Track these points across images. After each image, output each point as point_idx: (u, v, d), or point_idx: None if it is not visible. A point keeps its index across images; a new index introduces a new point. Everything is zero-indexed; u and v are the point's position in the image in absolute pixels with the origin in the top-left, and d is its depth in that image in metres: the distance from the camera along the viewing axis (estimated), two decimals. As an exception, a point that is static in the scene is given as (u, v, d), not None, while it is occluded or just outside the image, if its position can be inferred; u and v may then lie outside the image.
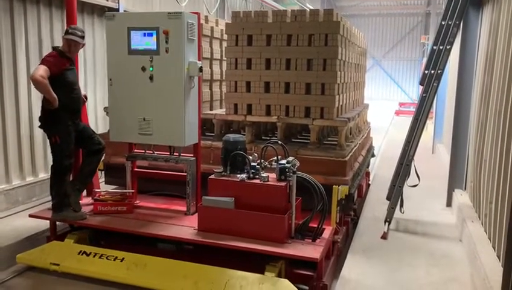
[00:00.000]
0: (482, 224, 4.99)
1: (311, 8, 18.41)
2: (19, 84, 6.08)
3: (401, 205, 5.69)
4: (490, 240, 4.54)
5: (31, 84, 5.97)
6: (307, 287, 4.18)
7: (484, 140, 5.28)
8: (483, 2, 6.03)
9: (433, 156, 10.48)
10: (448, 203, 6.53)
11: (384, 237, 5.24)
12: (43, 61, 4.51)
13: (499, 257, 4.13)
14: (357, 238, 5.28)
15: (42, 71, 4.38)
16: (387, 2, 29.43)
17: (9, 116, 6.00)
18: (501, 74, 4.70)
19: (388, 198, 5.79)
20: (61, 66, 4.57)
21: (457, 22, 5.81)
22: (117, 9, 7.55)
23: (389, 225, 5.47)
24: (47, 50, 6.42)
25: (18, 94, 6.09)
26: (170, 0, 10.16)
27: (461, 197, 6.11)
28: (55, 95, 4.47)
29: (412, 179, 5.78)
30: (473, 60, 6.19)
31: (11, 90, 5.98)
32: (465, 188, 6.38)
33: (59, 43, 6.48)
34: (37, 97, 6.26)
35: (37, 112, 6.19)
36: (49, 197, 6.09)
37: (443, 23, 5.88)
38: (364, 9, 30.14)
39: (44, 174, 6.55)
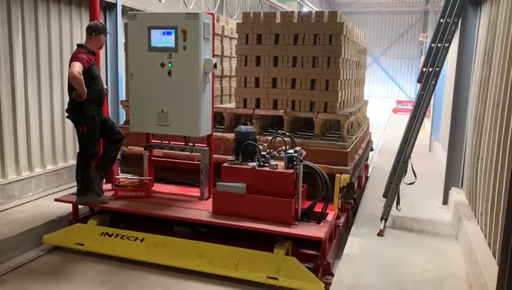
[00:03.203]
0: (478, 222, 4.98)
1: (310, 4, 18.71)
2: (15, 78, 6.02)
3: (398, 203, 5.68)
4: (486, 238, 4.53)
5: (28, 78, 6.21)
6: (311, 265, 4.51)
7: (481, 139, 5.28)
8: (482, -1, 5.99)
9: (430, 154, 10.46)
10: (445, 201, 6.51)
11: (380, 234, 5.27)
12: (77, 58, 4.77)
13: (494, 254, 4.12)
14: (353, 235, 5.30)
15: (78, 68, 4.68)
16: (385, 0, 29.67)
17: (5, 111, 5.92)
18: (499, 72, 4.69)
19: (385, 196, 5.80)
20: (89, 62, 4.89)
21: (455, 20, 5.78)
22: (115, 4, 7.66)
23: (385, 222, 5.51)
24: (44, 44, 6.52)
25: (14, 89, 6.03)
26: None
27: (457, 195, 6.08)
28: (85, 89, 4.78)
29: (408, 177, 5.75)
30: (471, 58, 6.17)
31: (7, 84, 5.93)
32: (461, 187, 6.35)
33: (56, 37, 6.73)
34: (33, 92, 6.35)
35: (33, 106, 6.39)
36: (47, 191, 6.44)
37: (441, 21, 5.86)
38: (363, 7, 30.19)
39: (40, 169, 6.56)
